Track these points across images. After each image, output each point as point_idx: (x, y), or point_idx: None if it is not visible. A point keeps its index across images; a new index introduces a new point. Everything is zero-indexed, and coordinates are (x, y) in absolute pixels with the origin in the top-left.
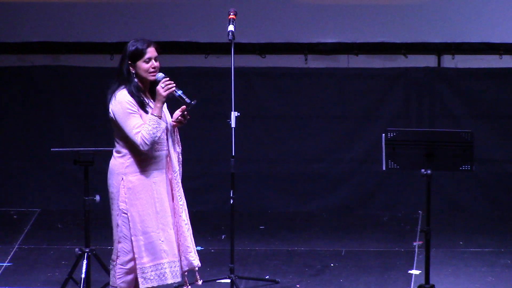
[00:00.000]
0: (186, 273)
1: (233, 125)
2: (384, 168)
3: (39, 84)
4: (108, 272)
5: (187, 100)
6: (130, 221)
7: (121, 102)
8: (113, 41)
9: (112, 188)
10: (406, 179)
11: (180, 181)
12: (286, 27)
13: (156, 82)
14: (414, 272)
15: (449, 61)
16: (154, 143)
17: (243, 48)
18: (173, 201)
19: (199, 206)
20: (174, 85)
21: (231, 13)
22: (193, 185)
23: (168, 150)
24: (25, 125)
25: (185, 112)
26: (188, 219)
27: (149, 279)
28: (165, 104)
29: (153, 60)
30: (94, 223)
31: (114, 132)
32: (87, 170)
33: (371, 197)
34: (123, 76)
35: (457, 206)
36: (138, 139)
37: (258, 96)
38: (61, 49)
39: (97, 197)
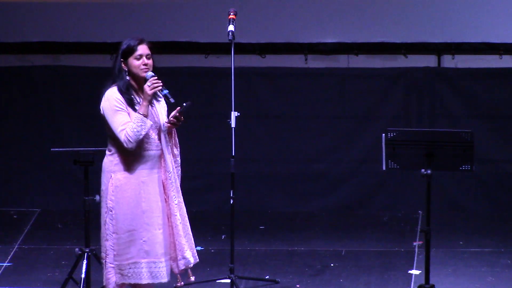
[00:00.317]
0: (183, 271)
1: (233, 125)
2: (384, 168)
3: (39, 84)
4: None
5: (172, 100)
6: (114, 219)
7: (109, 99)
8: (113, 41)
9: (102, 186)
10: (406, 179)
11: (175, 181)
12: (286, 27)
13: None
14: (414, 272)
15: (449, 61)
16: (142, 142)
17: (243, 48)
18: (166, 202)
19: (199, 206)
20: (161, 84)
21: (231, 13)
22: (193, 185)
23: (162, 150)
24: (25, 125)
25: (178, 114)
26: (186, 218)
27: (126, 275)
28: (162, 104)
29: (144, 57)
30: (94, 223)
31: (105, 130)
32: (87, 170)
33: (371, 197)
34: (115, 74)
35: (457, 206)
36: (122, 136)
37: (258, 96)
38: (61, 49)
39: (97, 197)
